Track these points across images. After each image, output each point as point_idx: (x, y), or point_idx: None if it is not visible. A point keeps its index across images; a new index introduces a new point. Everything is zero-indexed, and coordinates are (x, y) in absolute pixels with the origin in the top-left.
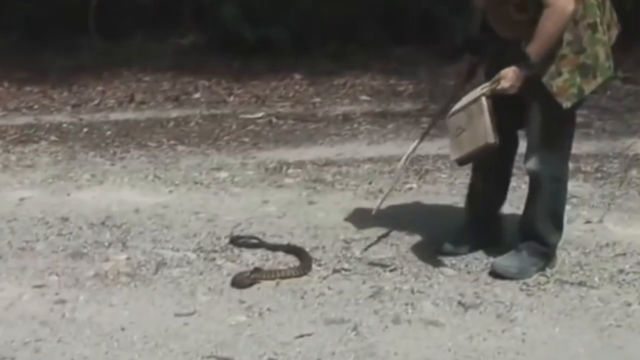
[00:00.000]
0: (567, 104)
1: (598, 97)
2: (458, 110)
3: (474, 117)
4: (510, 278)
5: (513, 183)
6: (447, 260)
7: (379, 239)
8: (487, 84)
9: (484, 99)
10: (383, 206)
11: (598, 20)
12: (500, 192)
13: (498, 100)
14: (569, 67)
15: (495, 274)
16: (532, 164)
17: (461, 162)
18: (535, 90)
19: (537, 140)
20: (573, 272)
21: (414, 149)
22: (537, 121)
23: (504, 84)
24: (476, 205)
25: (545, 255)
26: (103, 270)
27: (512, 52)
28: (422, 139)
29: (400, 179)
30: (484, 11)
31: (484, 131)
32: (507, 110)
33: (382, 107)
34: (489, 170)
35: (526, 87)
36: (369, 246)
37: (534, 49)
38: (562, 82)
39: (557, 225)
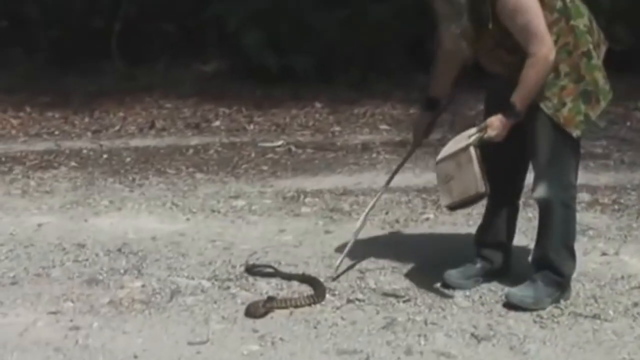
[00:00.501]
0: (577, 133)
1: (618, 128)
2: (446, 158)
3: (463, 165)
4: (526, 309)
5: (529, 214)
6: (461, 291)
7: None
8: (475, 130)
9: (472, 148)
10: (400, 237)
11: (591, 47)
12: (508, 223)
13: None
14: (571, 97)
15: (510, 305)
16: (541, 191)
17: (451, 208)
18: (541, 121)
19: (544, 168)
20: (587, 304)
21: (375, 202)
22: (544, 150)
23: (491, 132)
24: (483, 237)
25: (560, 285)
26: (118, 297)
27: (509, 87)
28: (387, 185)
29: (365, 224)
30: (474, 55)
31: (474, 180)
32: (512, 142)
33: (402, 136)
34: (497, 202)
35: (530, 119)
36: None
37: (518, 98)
38: (567, 112)
39: (571, 253)
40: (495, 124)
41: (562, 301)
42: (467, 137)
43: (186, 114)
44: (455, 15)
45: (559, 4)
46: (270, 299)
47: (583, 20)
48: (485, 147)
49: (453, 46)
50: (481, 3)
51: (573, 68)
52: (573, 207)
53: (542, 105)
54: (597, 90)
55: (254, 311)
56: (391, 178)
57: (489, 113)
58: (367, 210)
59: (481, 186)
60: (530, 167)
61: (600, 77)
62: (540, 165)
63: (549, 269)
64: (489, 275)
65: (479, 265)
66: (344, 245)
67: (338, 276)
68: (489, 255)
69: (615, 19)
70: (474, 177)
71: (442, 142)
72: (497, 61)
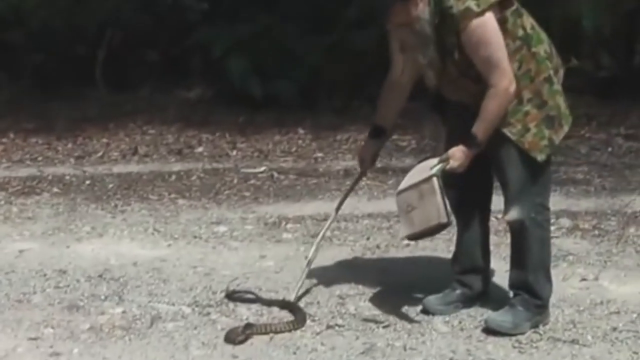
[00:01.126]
0: (542, 157)
1: (599, 154)
2: (408, 188)
3: (425, 196)
4: (504, 333)
5: (507, 240)
6: (440, 316)
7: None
8: (437, 161)
9: (435, 179)
10: (381, 262)
11: (551, 72)
12: (482, 246)
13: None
14: (535, 122)
15: (489, 330)
16: (513, 214)
17: (412, 238)
18: (506, 147)
19: (515, 192)
20: (566, 329)
21: (326, 230)
22: (513, 175)
23: (453, 163)
24: (460, 263)
25: (539, 308)
26: (98, 323)
27: (472, 115)
28: (336, 213)
29: (317, 253)
30: (439, 85)
31: (437, 211)
32: (477, 168)
33: (384, 162)
34: (468, 227)
35: (495, 146)
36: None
37: (480, 129)
38: (532, 137)
39: (547, 276)
40: (457, 154)
41: (541, 326)
42: (429, 168)
43: (169, 140)
44: (422, 46)
45: (520, 32)
46: (250, 325)
47: (543, 46)
48: (449, 175)
49: (401, 77)
50: (447, 34)
51: (535, 94)
52: (547, 229)
53: (506, 132)
54: (560, 114)
55: (233, 337)
56: (340, 205)
57: (451, 141)
58: (318, 239)
59: (443, 217)
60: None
61: (561, 101)
62: (510, 189)
63: (527, 293)
64: (468, 301)
65: (458, 291)
66: (323, 271)
67: (298, 299)
68: (467, 281)
69: (599, 46)
70: (437, 208)
71: None
72: (461, 90)
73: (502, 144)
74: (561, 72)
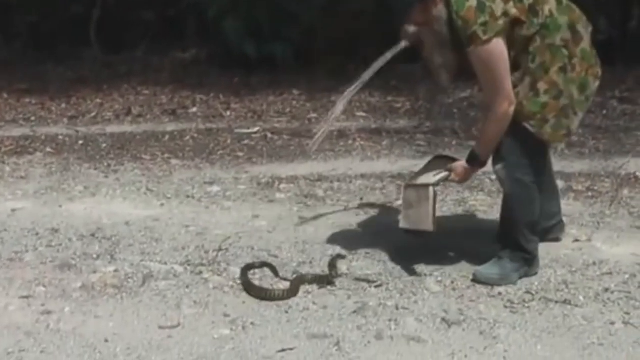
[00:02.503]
0: (562, 146)
1: (594, 117)
2: (413, 186)
3: (422, 200)
4: (493, 285)
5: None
6: (432, 276)
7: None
8: (443, 169)
9: (431, 189)
10: (372, 222)
11: (567, 61)
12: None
13: None
14: (553, 113)
15: (477, 282)
16: (503, 171)
17: (406, 232)
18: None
19: (506, 150)
20: (558, 290)
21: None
22: (509, 142)
23: (455, 177)
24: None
25: (526, 260)
26: (90, 282)
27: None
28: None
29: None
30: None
31: (427, 218)
32: None
33: (378, 123)
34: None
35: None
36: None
37: (480, 149)
38: (550, 129)
39: (533, 230)
40: (459, 170)
41: (533, 286)
42: (433, 174)
43: (163, 101)
44: (439, 45)
45: (536, 21)
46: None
47: (560, 34)
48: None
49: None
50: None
51: (551, 84)
52: (535, 189)
53: (526, 125)
54: (573, 102)
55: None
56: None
57: None
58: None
59: (429, 225)
60: None
61: (575, 89)
62: (502, 149)
63: (514, 246)
64: None
65: None
66: (316, 231)
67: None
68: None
69: (595, 10)
70: (427, 215)
71: (419, 130)
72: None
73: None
74: (586, 37)
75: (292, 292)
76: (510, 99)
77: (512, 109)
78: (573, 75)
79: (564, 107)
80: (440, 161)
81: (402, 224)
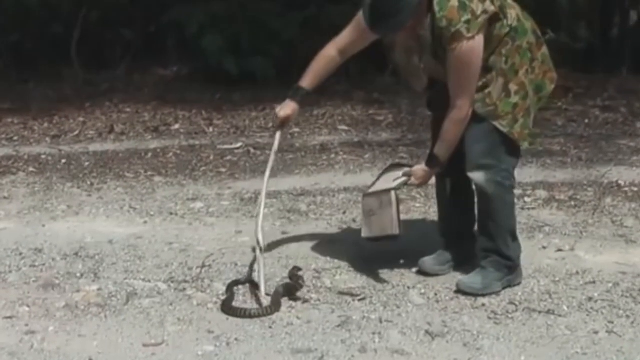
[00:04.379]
0: (526, 145)
1: (576, 126)
2: (372, 194)
3: (383, 206)
4: (476, 294)
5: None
6: (416, 289)
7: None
8: (401, 174)
9: (393, 193)
10: (357, 236)
11: (529, 63)
12: (465, 211)
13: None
14: (522, 113)
15: (461, 292)
16: (481, 177)
17: (370, 240)
18: (478, 119)
19: (483, 155)
20: (542, 300)
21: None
22: (484, 141)
23: (414, 181)
24: (443, 226)
25: (509, 268)
26: (74, 301)
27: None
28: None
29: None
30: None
31: (390, 223)
32: None
33: (361, 137)
34: (449, 192)
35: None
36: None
37: (441, 151)
38: (519, 128)
39: (514, 237)
40: (419, 173)
41: (516, 297)
42: (392, 180)
43: (146, 118)
44: (422, 50)
45: (507, 29)
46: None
47: (527, 37)
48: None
49: (341, 55)
50: (440, 45)
51: (521, 86)
52: (513, 194)
53: (497, 124)
54: (532, 102)
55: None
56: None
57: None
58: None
59: (395, 229)
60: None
61: (531, 91)
62: (478, 153)
63: (496, 255)
64: (461, 262)
65: (450, 252)
66: (299, 245)
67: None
68: (457, 244)
69: (576, 18)
70: (391, 220)
71: (402, 142)
72: (441, 72)
73: (474, 119)
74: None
75: (275, 306)
76: (472, 102)
77: (471, 111)
78: (532, 77)
79: (528, 107)
80: (395, 169)
81: (365, 233)
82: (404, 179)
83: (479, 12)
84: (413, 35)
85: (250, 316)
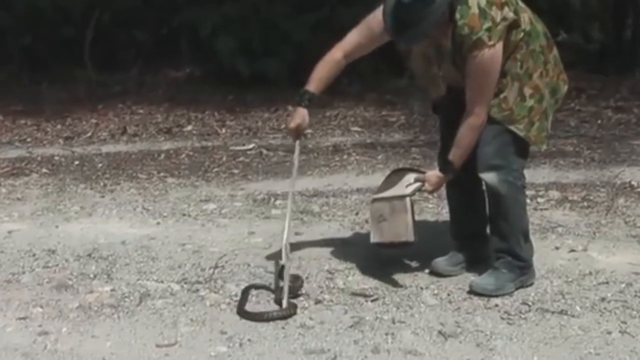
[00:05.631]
0: (543, 147)
1: (589, 127)
2: (382, 199)
3: (396, 212)
4: (489, 295)
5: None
6: (429, 289)
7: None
8: (413, 180)
9: (408, 200)
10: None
11: (543, 66)
12: (477, 212)
13: (455, 121)
14: (537, 116)
15: (474, 293)
16: (493, 177)
17: (380, 246)
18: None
19: (495, 156)
20: (555, 300)
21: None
22: (496, 141)
23: (428, 187)
24: (455, 228)
25: (522, 269)
26: (87, 302)
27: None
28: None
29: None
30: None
31: (405, 229)
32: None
33: (373, 138)
34: (459, 194)
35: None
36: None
37: (456, 157)
38: (535, 131)
39: (527, 237)
40: (433, 179)
41: (529, 297)
42: (405, 186)
43: (158, 119)
44: (442, 59)
45: (521, 34)
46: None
47: (539, 40)
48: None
49: (346, 58)
50: (461, 54)
51: (535, 89)
52: (525, 194)
53: (513, 128)
54: (548, 105)
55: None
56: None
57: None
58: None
59: (410, 236)
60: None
61: (547, 92)
62: (490, 153)
63: (509, 256)
64: (474, 263)
65: (462, 253)
66: (312, 246)
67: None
68: (469, 245)
69: (589, 20)
70: (406, 227)
71: (414, 143)
72: (455, 78)
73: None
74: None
75: (292, 307)
76: (489, 108)
77: (486, 119)
78: (547, 79)
79: (544, 110)
80: (402, 174)
81: (375, 239)
82: (417, 184)
83: (498, 20)
84: (432, 43)
85: (271, 319)
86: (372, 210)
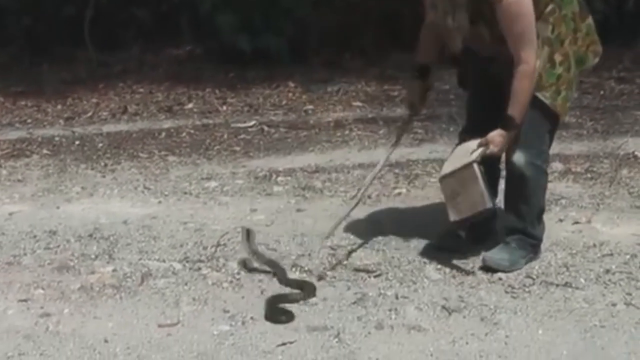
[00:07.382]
0: (565, 119)
1: (591, 98)
2: (450, 174)
3: (468, 183)
4: (503, 270)
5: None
6: (432, 264)
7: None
8: (476, 146)
9: (475, 165)
10: (371, 211)
11: (572, 34)
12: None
13: (483, 97)
14: (565, 85)
15: (487, 268)
16: (521, 158)
17: (459, 223)
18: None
19: (525, 136)
20: (559, 273)
21: (381, 168)
22: (528, 120)
23: (493, 148)
24: None
25: (533, 246)
26: (88, 282)
27: (497, 65)
28: (388, 157)
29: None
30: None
31: (481, 197)
32: (490, 108)
33: (375, 112)
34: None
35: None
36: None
37: (515, 111)
38: (561, 101)
39: (541, 217)
40: (497, 139)
41: (533, 270)
42: (469, 153)
43: (159, 98)
44: (453, 10)
45: None
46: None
47: (572, 7)
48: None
49: (435, 19)
50: (480, 3)
51: (565, 57)
52: (547, 175)
53: (539, 95)
54: (573, 76)
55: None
56: (392, 151)
57: (474, 101)
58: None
59: (488, 202)
60: None
61: (573, 62)
62: (521, 134)
63: (522, 233)
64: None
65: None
66: (314, 222)
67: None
68: None
69: None
70: (480, 194)
71: (416, 117)
72: (483, 44)
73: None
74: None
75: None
76: (536, 53)
77: (537, 64)
78: (575, 48)
79: (571, 80)
80: (463, 146)
81: (454, 217)
82: (481, 149)
83: None
84: None
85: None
86: (443, 189)
